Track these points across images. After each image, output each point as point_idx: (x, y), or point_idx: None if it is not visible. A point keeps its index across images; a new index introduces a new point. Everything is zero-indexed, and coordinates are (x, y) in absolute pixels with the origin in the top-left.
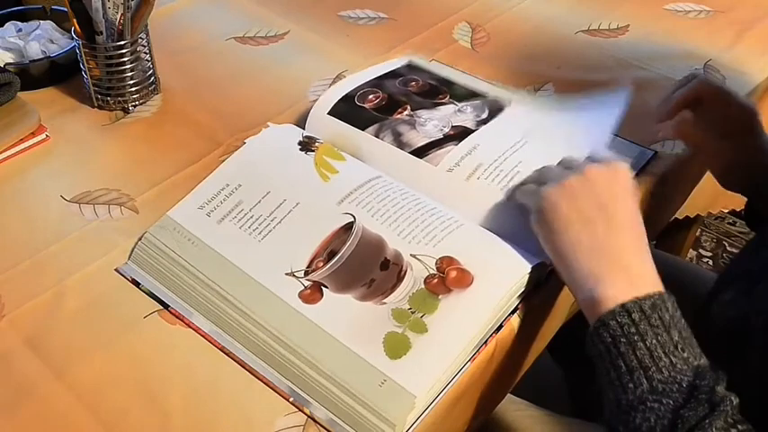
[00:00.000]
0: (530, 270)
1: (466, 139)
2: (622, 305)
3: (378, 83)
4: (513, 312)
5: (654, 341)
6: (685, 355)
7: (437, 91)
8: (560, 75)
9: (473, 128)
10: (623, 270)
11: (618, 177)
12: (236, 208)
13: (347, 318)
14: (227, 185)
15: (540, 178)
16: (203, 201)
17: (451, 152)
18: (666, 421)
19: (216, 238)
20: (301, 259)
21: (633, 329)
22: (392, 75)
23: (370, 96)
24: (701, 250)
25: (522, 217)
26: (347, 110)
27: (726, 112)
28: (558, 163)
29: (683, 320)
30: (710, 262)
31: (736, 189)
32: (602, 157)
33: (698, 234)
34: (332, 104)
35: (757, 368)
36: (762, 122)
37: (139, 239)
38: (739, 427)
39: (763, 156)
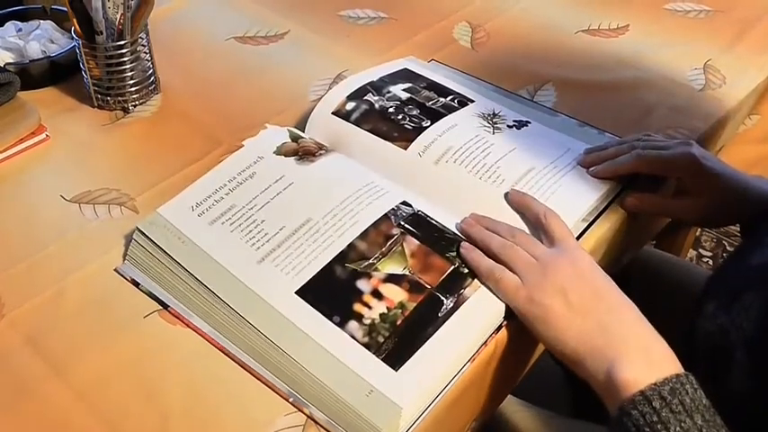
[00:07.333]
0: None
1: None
2: (642, 393)
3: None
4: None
5: (677, 428)
6: None
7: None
8: (560, 75)
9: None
10: (636, 350)
11: (580, 260)
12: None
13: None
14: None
15: (509, 264)
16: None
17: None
18: None
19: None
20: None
21: (655, 418)
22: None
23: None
24: (700, 250)
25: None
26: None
27: (670, 173)
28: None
29: (704, 400)
30: (710, 262)
31: (721, 225)
32: (552, 241)
33: (698, 234)
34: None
35: (742, 384)
36: (704, 157)
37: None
38: None
39: (726, 183)
